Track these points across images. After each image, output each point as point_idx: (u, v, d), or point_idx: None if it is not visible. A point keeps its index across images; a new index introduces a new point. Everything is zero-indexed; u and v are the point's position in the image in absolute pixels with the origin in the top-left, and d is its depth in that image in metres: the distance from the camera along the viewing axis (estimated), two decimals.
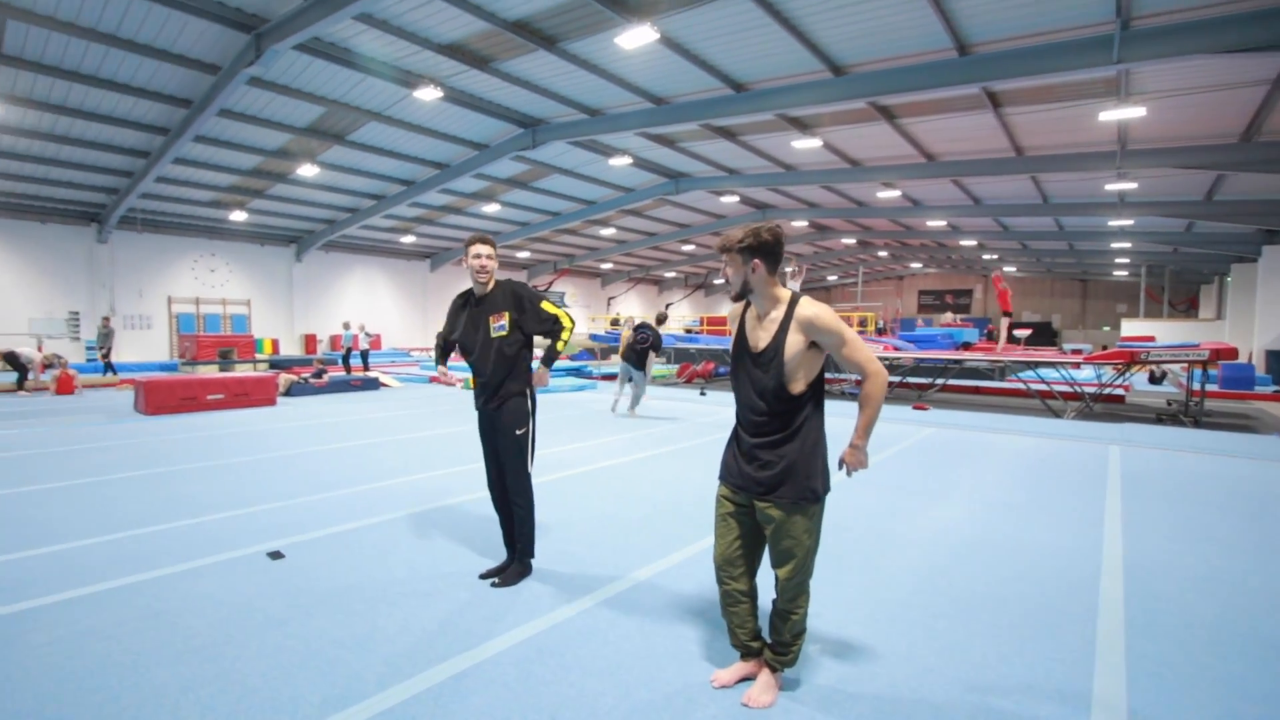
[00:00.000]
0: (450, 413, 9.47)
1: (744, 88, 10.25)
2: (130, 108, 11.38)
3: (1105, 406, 11.08)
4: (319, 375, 12.30)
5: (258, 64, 9.04)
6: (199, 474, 5.26)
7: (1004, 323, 13.68)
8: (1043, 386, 11.28)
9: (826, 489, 2.07)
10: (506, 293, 3.21)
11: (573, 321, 3.29)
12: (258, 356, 17.98)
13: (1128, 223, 17.80)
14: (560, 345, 3.25)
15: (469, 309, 3.26)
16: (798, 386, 2.01)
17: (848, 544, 3.64)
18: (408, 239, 22.45)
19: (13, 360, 11.94)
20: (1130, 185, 13.82)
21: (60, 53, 9.45)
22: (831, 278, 38.26)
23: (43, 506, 4.26)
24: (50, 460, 5.77)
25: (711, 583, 2.82)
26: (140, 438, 7.07)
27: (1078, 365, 10.09)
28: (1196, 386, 9.81)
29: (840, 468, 2.10)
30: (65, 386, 11.79)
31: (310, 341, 21.34)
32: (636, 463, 5.90)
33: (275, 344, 20.18)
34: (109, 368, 14.23)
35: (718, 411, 9.66)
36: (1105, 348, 29.41)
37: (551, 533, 3.81)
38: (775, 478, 2.05)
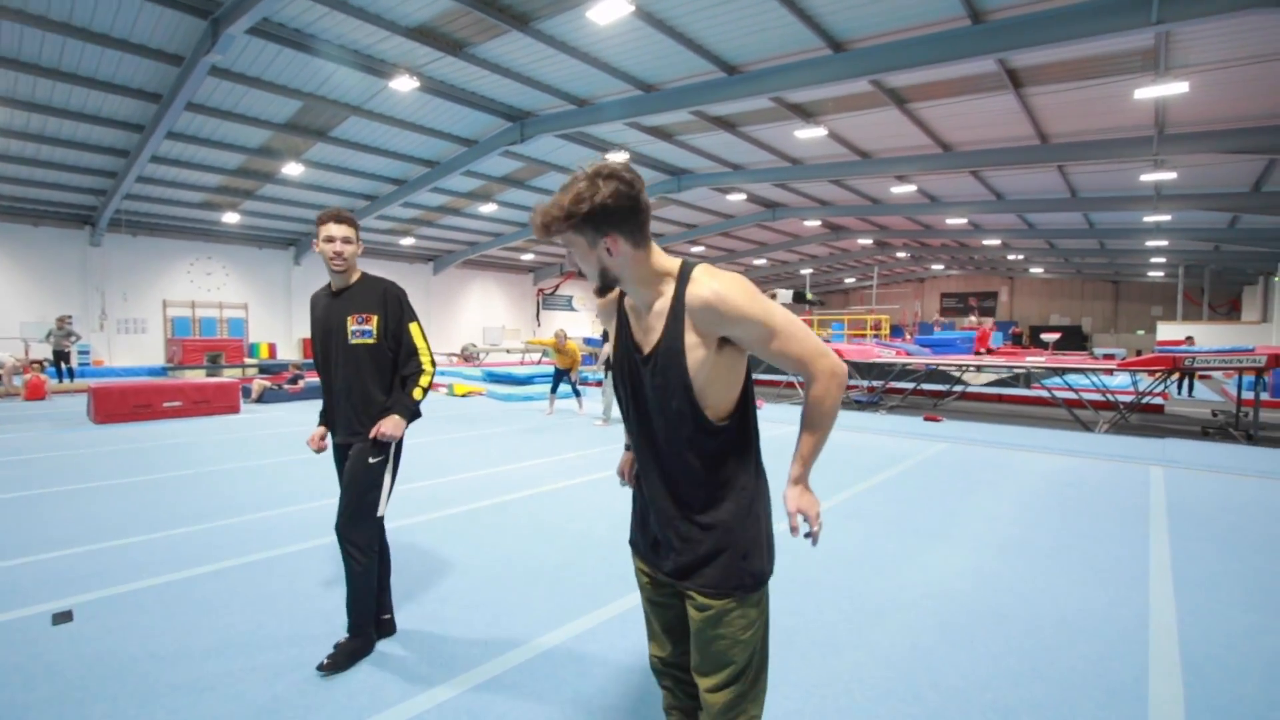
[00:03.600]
0: (418, 425, 8.78)
1: (737, 70, 9.43)
2: (102, 104, 10.96)
3: (1142, 417, 10.01)
4: (294, 381, 11.75)
5: (214, 50, 8.50)
6: (83, 495, 4.61)
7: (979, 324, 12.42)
8: (1071, 395, 10.25)
9: (771, 568, 1.34)
10: (377, 291, 2.51)
11: (434, 366, 2.56)
12: (248, 361, 17.56)
13: (1165, 218, 16.54)
14: (418, 393, 2.49)
15: (326, 305, 2.56)
16: (715, 410, 1.26)
17: (806, 614, 2.81)
18: (407, 241, 21.98)
19: None
20: (1168, 175, 12.66)
21: (16, 45, 9.02)
22: (849, 280, 37.02)
23: None
24: None
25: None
26: (69, 449, 6.49)
27: (1110, 372, 9.05)
28: (1249, 395, 8.72)
29: (797, 534, 1.31)
30: (35, 392, 11.39)
31: (307, 346, 20.93)
32: (584, 486, 5.11)
33: (272, 348, 19.81)
34: (66, 372, 13.73)
35: None
36: (1140, 352, 27.91)
37: (432, 586, 3.05)
38: (695, 558, 1.32)
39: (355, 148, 13.38)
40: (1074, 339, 31.25)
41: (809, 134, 11.61)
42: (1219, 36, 7.43)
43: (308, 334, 20.98)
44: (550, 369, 10.30)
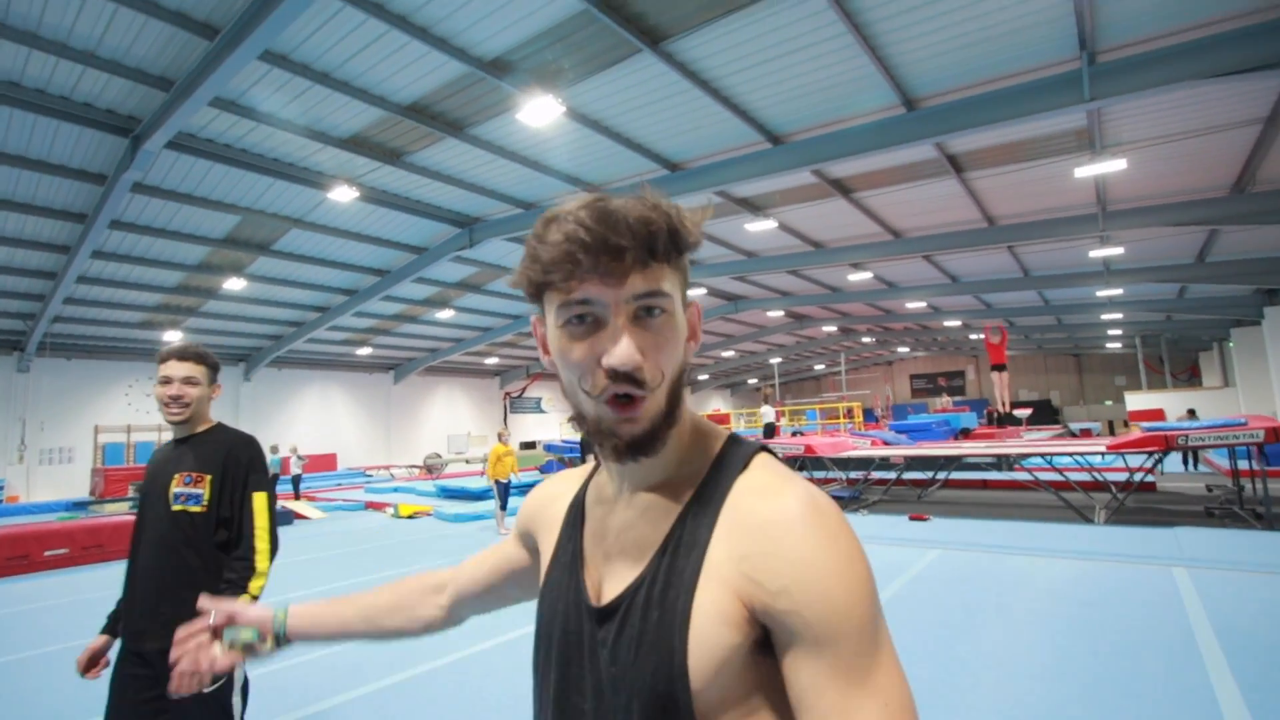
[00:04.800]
0: (349, 558, 7.68)
1: (679, 166, 9.37)
2: (23, 225, 10.45)
3: (1137, 498, 9.38)
4: None
5: (133, 167, 8.13)
6: None
7: (999, 378, 11.81)
8: (1056, 477, 9.62)
9: None
10: (222, 446, 1.89)
11: (270, 561, 1.86)
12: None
13: (1116, 292, 16.81)
14: (247, 597, 1.76)
15: (160, 459, 1.93)
16: None
17: None
18: (364, 351, 21.31)
19: None
20: (1116, 250, 12.85)
21: None
22: (818, 366, 37.17)
23: None
24: None
25: None
26: None
27: (1101, 454, 8.49)
28: (1244, 466, 8.19)
29: None
30: None
31: None
32: (499, 650, 4.15)
33: None
34: None
35: None
36: (1111, 424, 27.85)
37: None
38: None
39: (301, 260, 12.99)
40: (1045, 413, 31.28)
41: (760, 226, 11.57)
42: (1152, 113, 7.54)
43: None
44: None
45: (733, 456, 0.62)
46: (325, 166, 9.42)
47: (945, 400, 25.80)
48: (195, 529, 1.80)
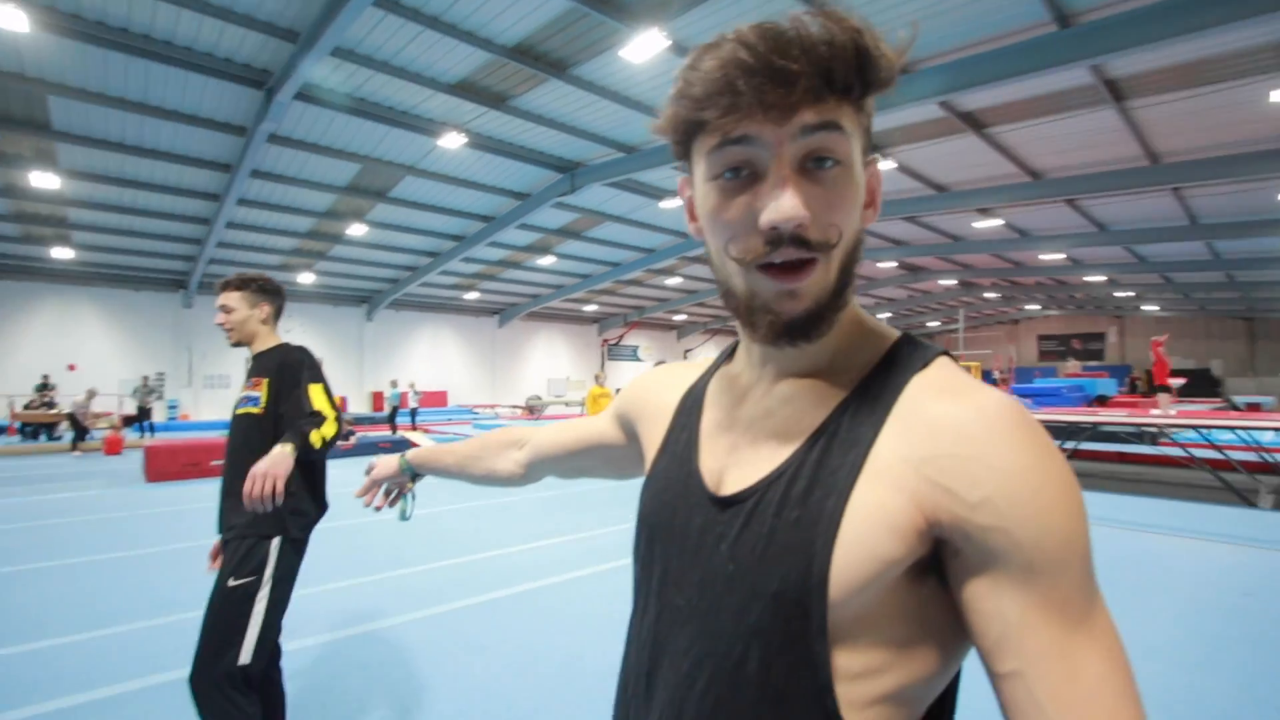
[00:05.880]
0: (444, 486, 8.25)
1: None
2: (181, 176, 11.66)
3: None
4: (346, 437, 11.65)
5: (268, 119, 8.77)
6: (73, 571, 4.24)
7: (1163, 399, 10.39)
8: (1214, 454, 8.46)
9: None
10: (275, 358, 2.04)
11: (339, 425, 1.98)
12: None
13: None
14: (316, 437, 1.87)
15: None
16: (871, 703, 0.46)
17: None
18: (471, 295, 22.38)
19: (74, 421, 12.28)
20: None
21: (105, 126, 9.69)
22: (932, 324, 34.73)
23: None
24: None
25: None
26: (107, 512, 6.36)
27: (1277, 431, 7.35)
28: None
29: None
30: (113, 447, 11.88)
31: (377, 399, 21.43)
32: (590, 579, 4.28)
33: (343, 401, 20.37)
34: (148, 427, 14.36)
35: None
36: None
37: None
38: None
39: (414, 206, 13.66)
40: (1203, 384, 27.52)
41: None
42: None
43: (378, 387, 21.54)
44: None
45: (908, 352, 0.52)
46: (435, 113, 9.69)
47: (1074, 364, 23.30)
48: (253, 430, 1.95)
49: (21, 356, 16.41)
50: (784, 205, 0.45)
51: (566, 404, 22.10)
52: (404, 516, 1.18)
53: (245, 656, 1.74)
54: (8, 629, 3.36)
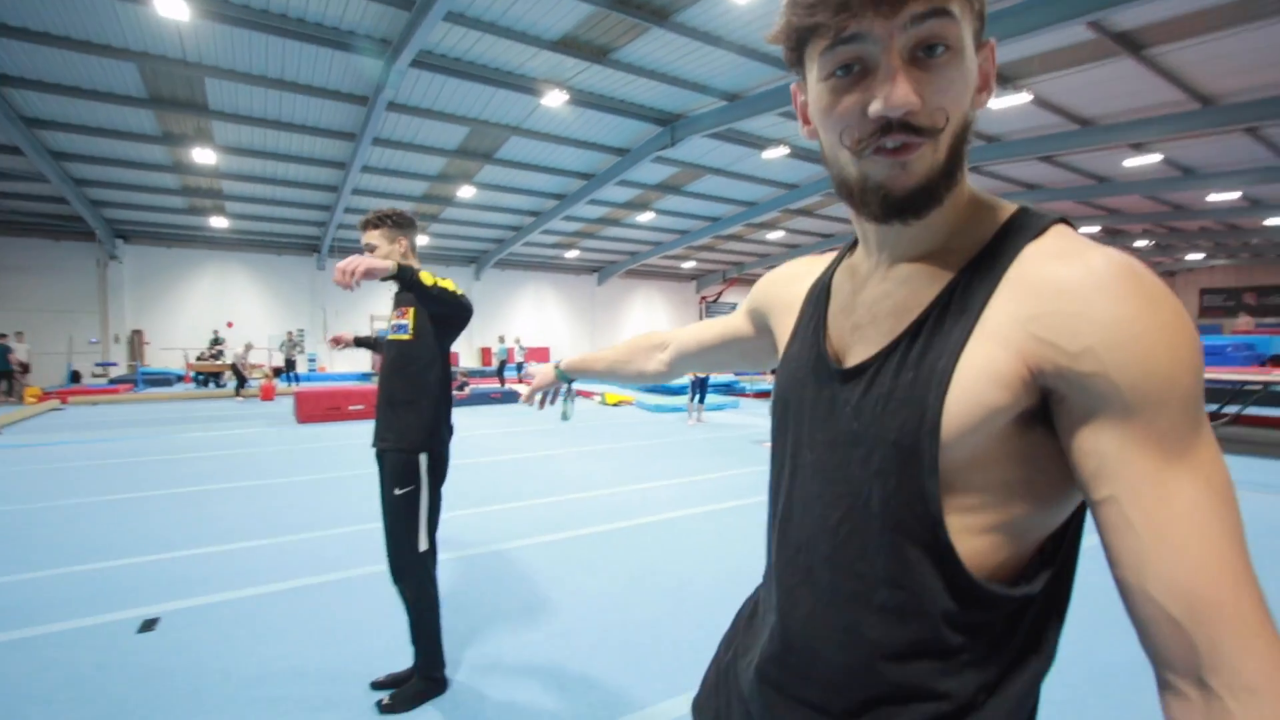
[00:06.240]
0: (559, 432, 8.68)
1: None
2: (313, 146, 12.66)
3: None
4: (460, 388, 12.50)
5: (388, 86, 9.26)
6: (254, 492, 4.95)
7: None
8: None
9: None
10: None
11: (457, 298, 2.17)
12: None
13: None
14: (426, 276, 2.05)
15: None
16: (982, 539, 0.52)
17: None
18: (571, 254, 22.87)
19: (236, 370, 14.03)
20: None
21: (249, 102, 10.66)
22: None
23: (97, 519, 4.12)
24: (181, 465, 5.99)
25: None
26: (270, 446, 7.30)
27: None
28: None
29: None
30: (268, 394, 13.49)
31: (485, 354, 22.69)
32: (701, 518, 4.38)
33: (455, 357, 21.77)
34: (293, 377, 16.10)
35: None
36: None
37: (504, 632, 2.62)
38: None
39: (518, 167, 14.04)
40: None
41: (1008, 102, 9.66)
42: None
43: (486, 344, 22.77)
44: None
45: (1024, 223, 0.54)
46: (538, 72, 9.80)
47: (1246, 320, 20.28)
48: (404, 353, 2.17)
49: (190, 316, 18.85)
50: (895, 96, 0.48)
51: None
52: (565, 417, 1.32)
53: (423, 544, 2.14)
54: (211, 534, 4.00)
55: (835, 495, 0.57)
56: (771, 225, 20.47)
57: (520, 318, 24.12)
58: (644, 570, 3.44)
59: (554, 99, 10.21)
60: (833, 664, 0.57)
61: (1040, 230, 0.53)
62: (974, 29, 0.51)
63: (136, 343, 18.22)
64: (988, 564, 0.52)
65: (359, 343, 2.64)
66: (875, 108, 0.49)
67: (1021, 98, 9.47)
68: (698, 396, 9.53)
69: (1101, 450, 0.46)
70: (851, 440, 0.56)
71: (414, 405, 2.14)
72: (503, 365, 16.03)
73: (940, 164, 0.51)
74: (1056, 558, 0.54)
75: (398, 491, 2.13)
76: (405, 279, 2.01)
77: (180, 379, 17.06)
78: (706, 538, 4.00)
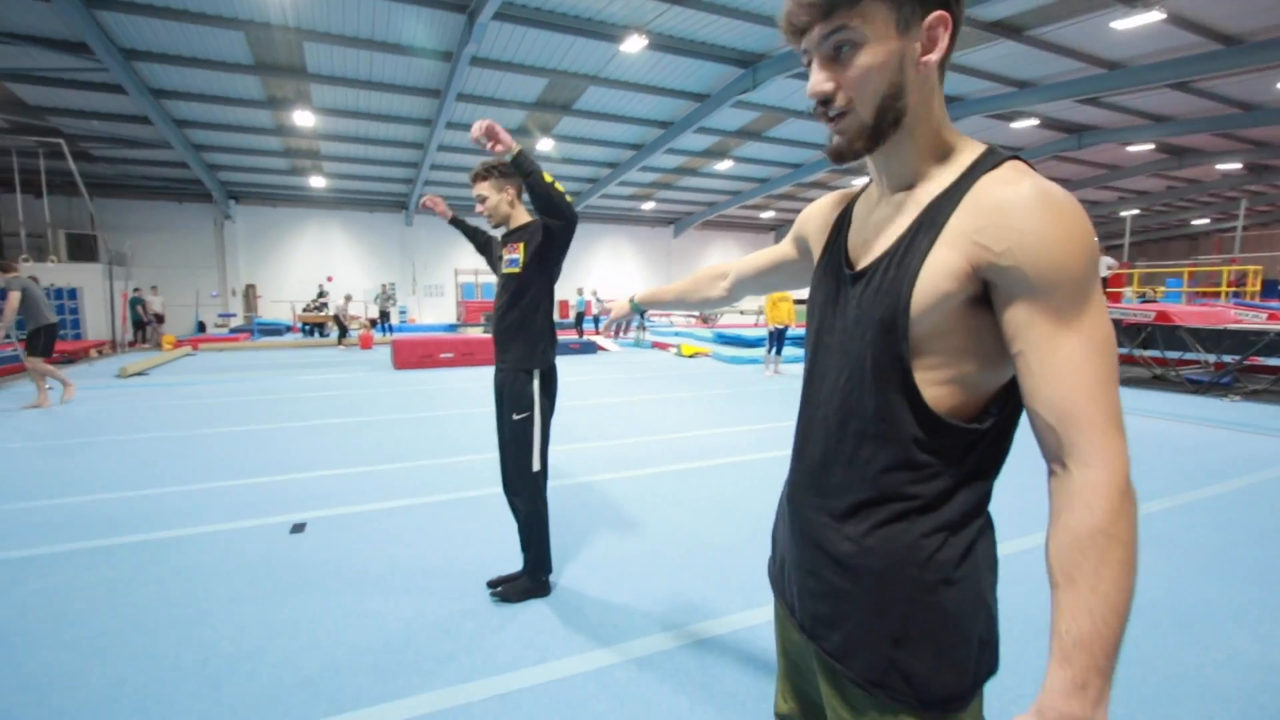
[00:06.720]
0: (638, 381, 8.90)
1: None
2: (400, 104, 13.11)
3: None
4: None
5: (471, 41, 9.41)
6: (361, 428, 5.46)
7: None
8: None
9: (980, 674, 0.75)
10: (529, 228, 2.42)
11: (564, 199, 2.24)
12: None
13: None
14: (548, 176, 2.17)
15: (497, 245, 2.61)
16: (941, 387, 0.72)
17: None
18: (648, 205, 22.73)
19: (338, 321, 15.13)
20: None
21: (343, 63, 11.14)
22: (1198, 221, 28.09)
23: (191, 450, 4.72)
24: (296, 403, 6.68)
25: None
26: (372, 389, 7.96)
27: None
28: None
29: None
30: (366, 343, 14.51)
31: (564, 307, 23.22)
32: (780, 460, 4.45)
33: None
34: (387, 328, 17.14)
35: None
36: None
37: (602, 550, 2.88)
38: (837, 616, 0.79)
39: (596, 117, 14.00)
40: None
41: (1135, 22, 8.67)
42: None
43: (564, 296, 23.25)
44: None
45: (984, 160, 0.72)
46: (617, 17, 9.65)
47: None
48: (515, 285, 2.36)
49: (296, 270, 20.32)
50: (811, 86, 0.73)
51: (741, 312, 22.06)
52: (637, 343, 1.46)
53: (536, 464, 2.39)
54: (337, 459, 4.48)
55: (844, 363, 0.78)
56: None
57: (598, 270, 24.42)
58: (724, 503, 3.60)
59: (633, 45, 10.06)
60: (837, 478, 0.78)
61: (996, 164, 0.70)
62: (893, 19, 0.68)
63: (251, 296, 19.92)
64: (947, 405, 0.72)
65: (454, 222, 2.75)
66: (807, 92, 0.74)
67: (1151, 16, 8.46)
68: (775, 348, 9.45)
69: (1016, 320, 0.65)
70: (855, 322, 0.77)
71: (525, 331, 2.35)
72: (580, 317, 16.41)
73: (868, 123, 0.71)
74: (1004, 408, 0.73)
75: (515, 417, 2.36)
76: (525, 164, 2.09)
77: (289, 329, 18.58)
78: (781, 480, 4.08)
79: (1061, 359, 0.63)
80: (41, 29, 9.41)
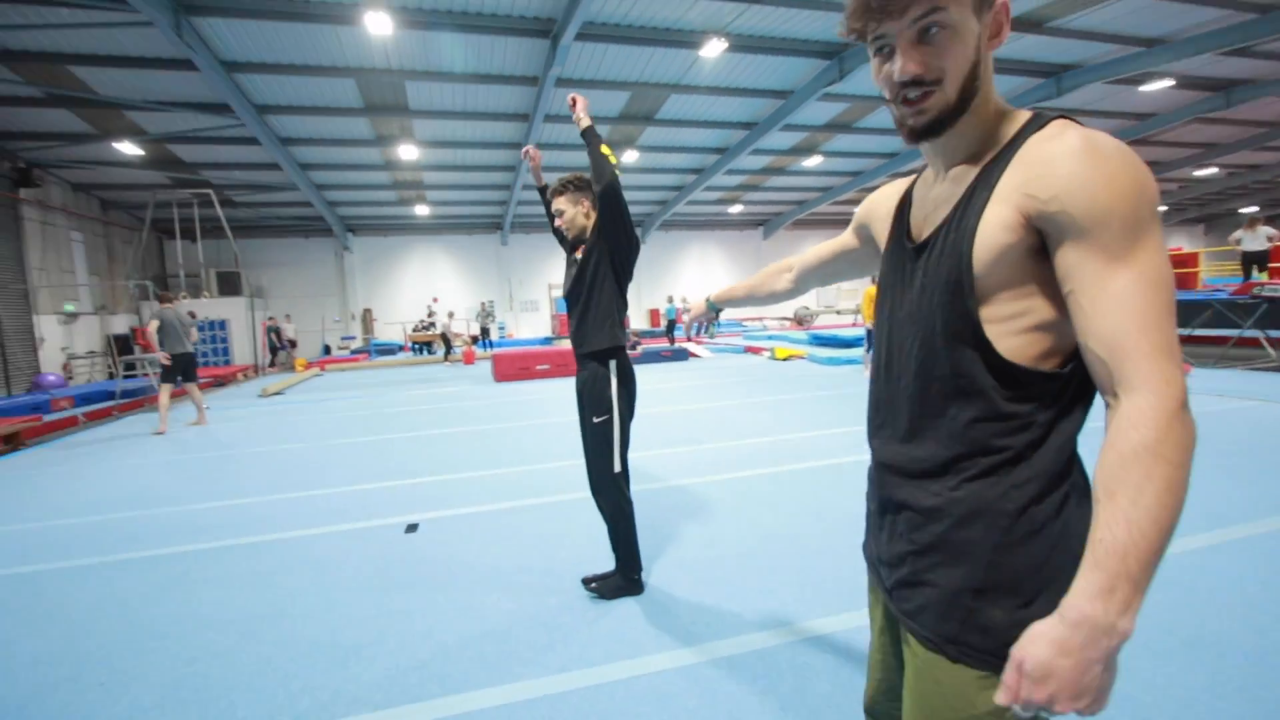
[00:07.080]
0: (730, 386, 8.82)
1: None
2: (492, 131, 13.85)
3: None
4: (633, 347, 13.12)
5: (555, 63, 9.79)
6: (463, 438, 5.81)
7: None
8: None
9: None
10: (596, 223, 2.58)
11: (610, 161, 2.42)
12: None
13: None
14: (605, 149, 2.41)
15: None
16: (1013, 337, 0.74)
17: (1155, 683, 1.66)
18: (735, 209, 22.52)
19: (445, 339, 16.15)
20: None
21: (440, 98, 11.94)
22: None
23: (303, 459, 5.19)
24: (408, 415, 7.23)
25: None
26: (473, 400, 8.45)
27: None
28: None
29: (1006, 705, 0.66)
30: (469, 359, 15.38)
31: (654, 316, 23.44)
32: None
33: (625, 320, 22.80)
34: (487, 343, 18.02)
35: None
36: None
37: (693, 551, 2.91)
38: (919, 572, 0.82)
39: (678, 124, 14.08)
40: None
41: None
42: None
43: (653, 305, 23.51)
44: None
45: (1032, 123, 0.75)
46: (696, 23, 9.69)
47: None
48: (580, 268, 2.47)
49: (405, 293, 21.91)
50: (897, 68, 0.74)
51: (838, 312, 21.32)
52: (710, 335, 1.51)
53: (617, 465, 2.46)
54: (446, 465, 4.80)
55: (914, 331, 0.81)
56: None
57: (686, 277, 24.48)
58: (819, 507, 3.48)
59: (712, 49, 10.05)
60: (927, 441, 0.80)
61: (1042, 124, 0.74)
62: (972, 4, 0.72)
63: (368, 319, 21.69)
64: (1028, 354, 0.73)
65: (542, 190, 2.88)
66: (895, 76, 0.74)
67: None
68: (872, 346, 9.05)
69: (1067, 261, 0.68)
70: (921, 290, 0.80)
71: (592, 318, 2.45)
72: (671, 325, 16.39)
73: (952, 101, 0.74)
74: (1060, 360, 0.74)
75: (595, 420, 2.44)
76: (591, 135, 2.41)
77: (401, 348, 20.05)
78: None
79: (1111, 294, 0.65)
80: (193, 95, 10.82)
